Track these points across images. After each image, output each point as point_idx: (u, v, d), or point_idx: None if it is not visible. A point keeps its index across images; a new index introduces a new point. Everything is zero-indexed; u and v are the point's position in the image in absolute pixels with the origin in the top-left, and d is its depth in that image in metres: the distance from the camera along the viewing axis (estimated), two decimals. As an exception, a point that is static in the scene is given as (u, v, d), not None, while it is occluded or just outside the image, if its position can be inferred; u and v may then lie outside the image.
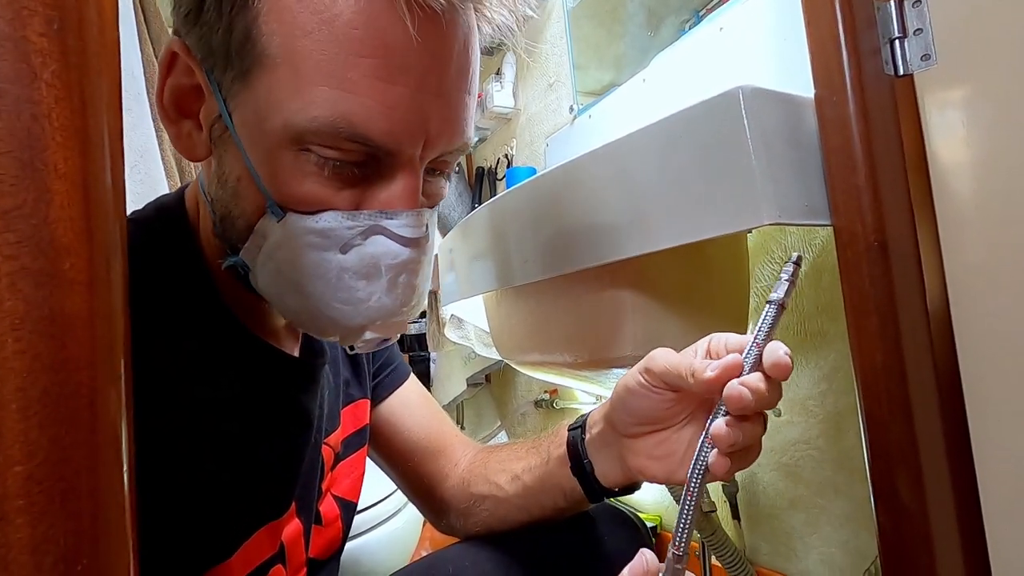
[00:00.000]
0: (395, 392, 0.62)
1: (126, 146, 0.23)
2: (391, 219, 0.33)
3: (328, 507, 0.50)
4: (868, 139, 0.44)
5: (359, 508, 0.85)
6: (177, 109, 0.35)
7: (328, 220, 0.33)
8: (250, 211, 0.34)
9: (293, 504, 0.43)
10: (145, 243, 0.36)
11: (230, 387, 0.38)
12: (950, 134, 0.44)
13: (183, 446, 0.35)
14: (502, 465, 0.54)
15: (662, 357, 0.36)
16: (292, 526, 0.44)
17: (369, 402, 0.57)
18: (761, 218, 0.43)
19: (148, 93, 1.03)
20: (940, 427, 0.43)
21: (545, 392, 1.34)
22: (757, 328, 0.34)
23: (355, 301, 0.34)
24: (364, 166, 0.33)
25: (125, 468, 0.20)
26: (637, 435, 0.40)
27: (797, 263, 0.33)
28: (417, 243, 0.35)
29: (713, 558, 0.84)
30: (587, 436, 0.45)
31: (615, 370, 0.64)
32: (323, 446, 0.48)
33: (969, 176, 0.43)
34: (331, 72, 0.29)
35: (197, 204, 0.40)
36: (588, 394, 1.19)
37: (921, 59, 0.45)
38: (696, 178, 0.47)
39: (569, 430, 0.47)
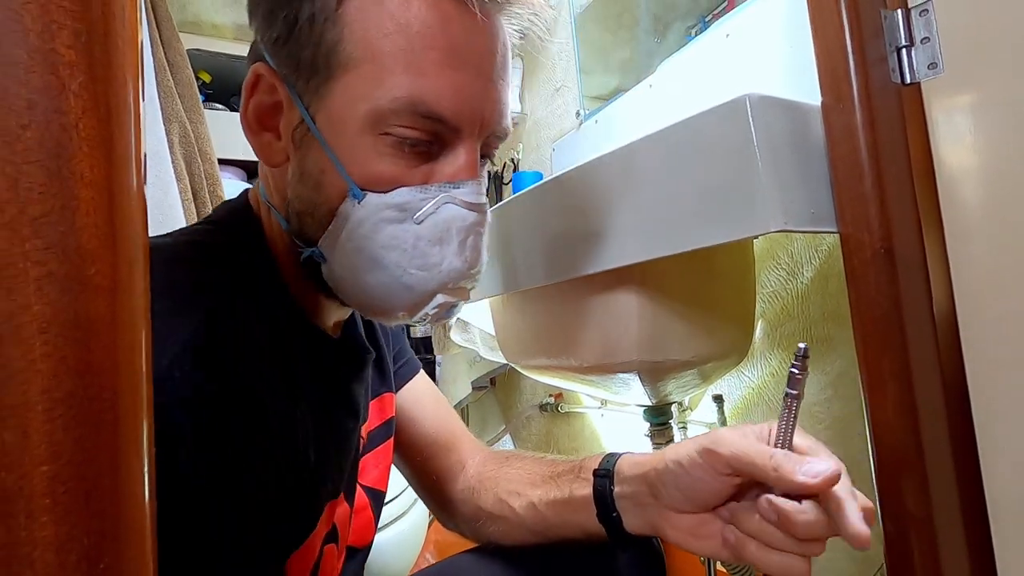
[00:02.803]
0: (407, 385, 0.63)
1: None
2: (458, 188, 0.38)
3: (358, 496, 0.52)
4: (875, 147, 0.45)
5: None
6: (260, 123, 0.39)
7: (403, 194, 0.37)
8: (333, 196, 0.37)
9: (343, 489, 0.46)
10: (225, 242, 0.41)
11: (304, 376, 0.41)
12: (957, 142, 0.44)
13: (270, 436, 0.37)
14: (514, 486, 0.55)
15: (731, 442, 0.36)
16: (342, 509, 0.47)
17: (394, 396, 0.59)
18: (768, 225, 0.43)
19: (159, 95, 1.05)
20: (946, 434, 0.43)
21: (550, 396, 1.34)
22: (781, 424, 0.35)
23: (430, 266, 0.38)
24: (432, 144, 0.37)
25: (146, 469, 0.20)
26: (682, 511, 0.40)
27: (805, 355, 0.34)
28: (480, 207, 0.39)
29: (719, 563, 0.83)
30: (616, 488, 0.45)
31: (620, 375, 0.64)
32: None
33: (976, 184, 0.43)
34: (408, 62, 0.35)
35: (259, 210, 0.44)
36: (593, 398, 1.19)
37: (928, 68, 0.45)
38: (703, 185, 0.47)
39: (595, 476, 0.47)
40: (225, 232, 0.42)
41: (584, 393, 1.17)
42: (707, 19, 0.98)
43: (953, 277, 0.45)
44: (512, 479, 0.56)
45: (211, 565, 0.33)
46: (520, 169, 1.48)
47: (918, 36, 0.45)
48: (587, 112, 1.19)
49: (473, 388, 1.44)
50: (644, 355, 0.59)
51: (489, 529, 0.56)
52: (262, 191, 0.43)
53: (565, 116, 1.28)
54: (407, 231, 0.37)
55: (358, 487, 0.52)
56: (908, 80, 0.46)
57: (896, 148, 0.45)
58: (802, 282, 0.76)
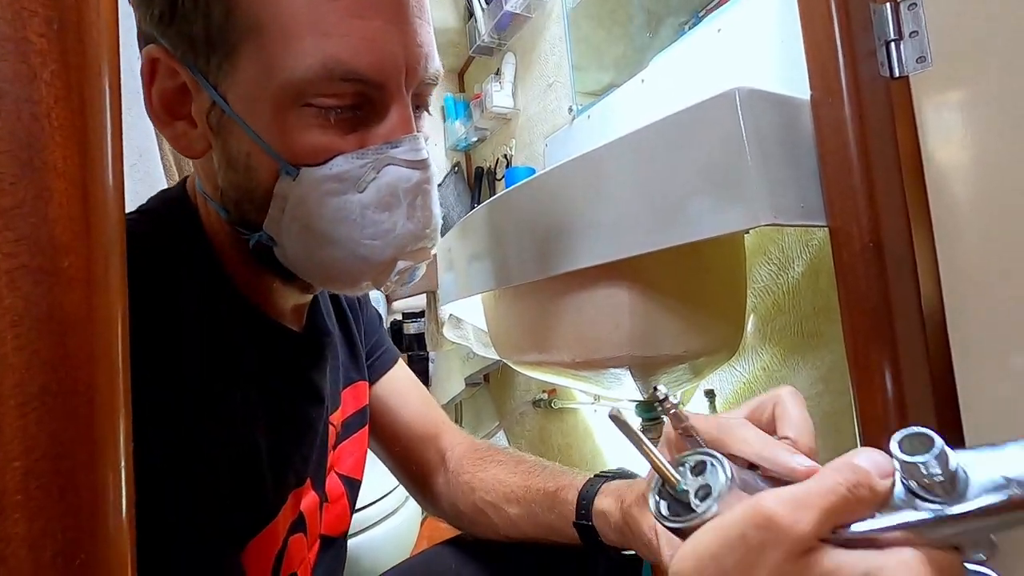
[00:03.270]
0: (385, 375, 0.63)
1: (125, 145, 0.23)
2: (395, 147, 0.36)
3: (333, 485, 0.52)
4: (864, 141, 0.45)
5: (359, 506, 0.86)
6: (168, 112, 0.36)
7: (339, 164, 0.35)
8: (266, 178, 0.35)
9: (309, 477, 0.45)
10: (155, 231, 0.38)
11: (249, 364, 0.40)
12: (945, 136, 0.44)
13: (216, 422, 0.36)
14: (490, 497, 0.55)
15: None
16: (310, 498, 0.46)
17: (367, 384, 0.58)
18: (757, 219, 0.43)
19: (148, 92, 1.03)
20: (935, 427, 0.43)
21: (543, 392, 1.34)
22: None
23: (382, 234, 0.36)
24: (359, 109, 0.35)
25: (123, 464, 0.20)
26: None
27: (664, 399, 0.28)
28: (423, 164, 0.37)
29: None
30: (596, 523, 0.45)
31: (611, 370, 0.64)
32: (328, 424, 0.49)
33: (964, 178, 0.44)
34: (312, 22, 0.32)
35: (197, 200, 0.42)
36: (587, 394, 1.19)
37: (916, 61, 0.45)
38: (693, 179, 0.47)
39: (577, 519, 0.46)
40: (154, 221, 0.40)
41: (577, 389, 1.17)
42: (700, 14, 0.98)
43: (941, 271, 0.45)
44: (488, 489, 0.56)
45: (169, 549, 0.32)
46: (513, 165, 1.47)
47: (907, 30, 0.45)
48: (580, 107, 1.19)
49: (467, 384, 1.44)
50: (635, 350, 0.59)
51: (471, 528, 0.58)
52: (198, 182, 0.41)
53: (558, 111, 1.28)
54: (352, 202, 0.35)
55: (333, 475, 0.52)
56: (897, 74, 0.46)
57: (885, 142, 0.45)
58: (793, 277, 0.76)
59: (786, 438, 0.28)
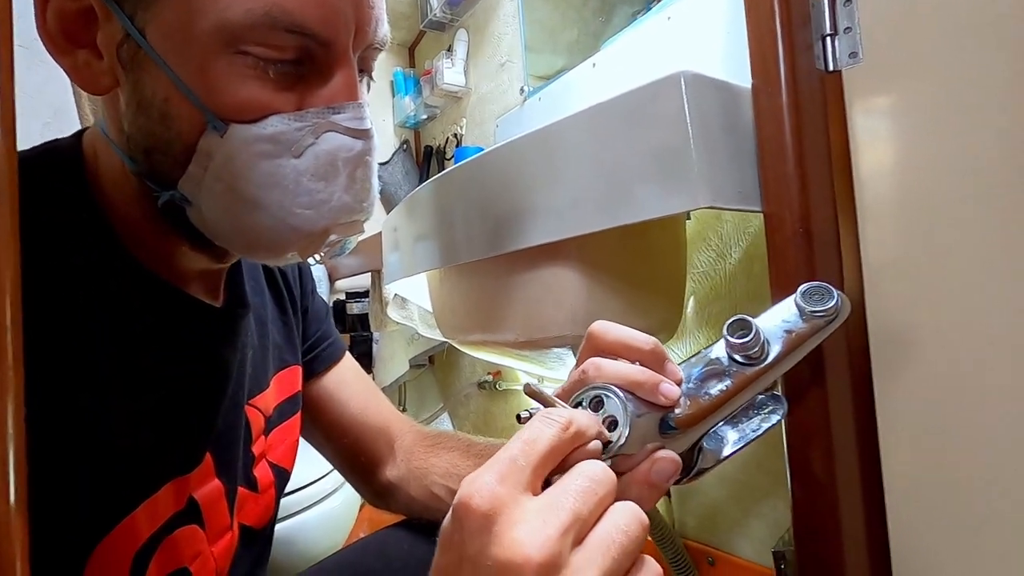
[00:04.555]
0: (333, 368, 0.61)
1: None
2: (338, 113, 0.33)
3: (264, 473, 0.49)
4: (799, 130, 0.46)
5: (293, 488, 0.83)
6: (67, 37, 0.32)
7: (275, 124, 0.32)
8: (187, 131, 0.32)
9: (210, 463, 0.42)
10: (23, 184, 0.34)
11: (131, 335, 0.36)
12: (872, 130, 0.47)
13: (81, 397, 0.33)
14: (443, 480, 0.54)
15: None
16: (210, 487, 0.42)
17: (301, 368, 0.56)
18: (697, 201, 0.44)
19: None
20: (851, 407, 0.46)
21: (488, 374, 1.34)
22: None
23: (317, 204, 0.34)
24: (301, 64, 0.32)
25: (12, 455, 0.18)
26: None
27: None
28: (366, 134, 0.35)
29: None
30: None
31: (554, 349, 0.64)
32: (248, 407, 0.46)
33: (888, 172, 0.46)
34: None
35: (95, 148, 0.37)
36: (531, 375, 1.20)
37: (849, 56, 0.47)
38: (635, 160, 0.48)
39: None
40: (23, 172, 0.36)
41: (521, 370, 1.18)
42: (651, 2, 0.99)
43: (863, 260, 0.47)
44: (442, 473, 0.56)
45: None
46: (463, 144, 1.45)
47: (841, 25, 0.47)
48: (531, 89, 1.18)
49: (411, 366, 1.42)
50: (578, 329, 0.60)
51: (424, 515, 0.57)
52: (101, 125, 0.36)
53: (509, 92, 1.26)
54: (286, 167, 0.32)
55: (265, 464, 0.49)
56: (831, 68, 0.48)
57: (817, 133, 0.47)
58: (730, 263, 0.79)
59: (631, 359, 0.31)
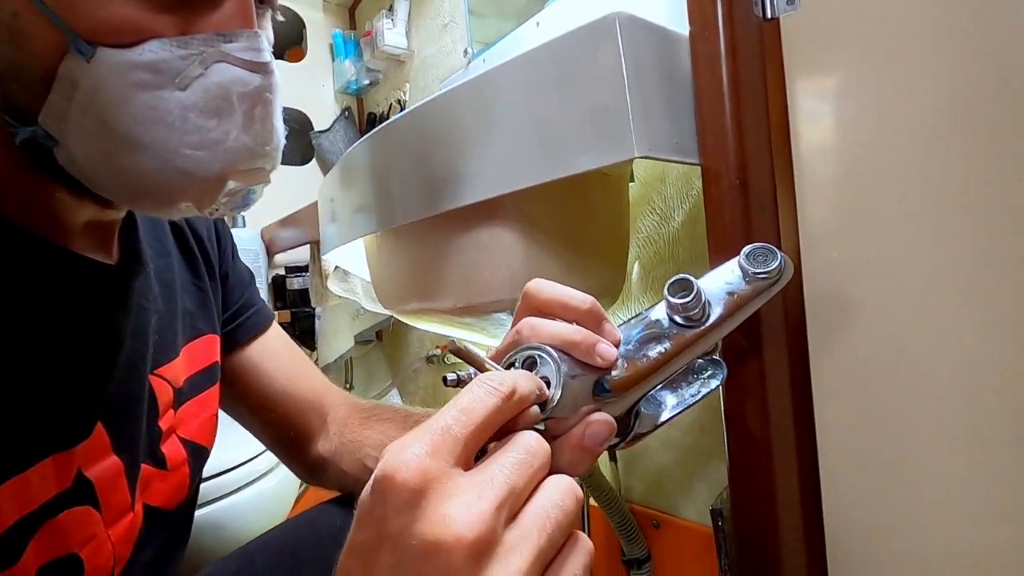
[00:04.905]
0: (258, 337, 0.58)
1: None
2: (230, 42, 0.30)
3: (174, 450, 0.45)
4: (736, 79, 0.45)
5: (223, 469, 0.79)
6: None
7: (154, 50, 0.28)
8: (43, 52, 0.28)
9: (104, 437, 0.37)
10: None
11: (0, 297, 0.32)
12: (809, 79, 0.45)
13: None
14: (379, 453, 0.51)
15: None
16: (106, 464, 0.38)
17: (219, 338, 0.52)
18: (632, 151, 0.42)
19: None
20: (786, 365, 0.46)
21: (437, 348, 1.32)
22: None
23: (209, 144, 0.30)
24: None
25: None
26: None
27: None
28: (265, 68, 0.31)
29: (591, 499, 0.87)
30: None
31: (495, 314, 0.62)
32: (153, 377, 0.42)
33: (826, 124, 0.45)
34: None
35: None
36: (479, 346, 1.18)
37: (787, 3, 0.46)
38: (569, 109, 0.45)
39: None
40: None
41: (466, 340, 1.15)
42: (596, -40, 0.96)
43: (799, 216, 0.47)
44: (377, 445, 0.53)
45: None
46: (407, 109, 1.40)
47: (779, -31, 0.45)
48: (475, 51, 1.13)
49: (358, 342, 1.38)
50: (518, 293, 0.57)
51: (357, 489, 0.53)
52: None
53: (453, 54, 1.21)
54: (170, 100, 0.29)
55: (175, 440, 0.45)
56: (769, 15, 0.46)
57: (755, 81, 0.46)
58: (673, 226, 0.78)
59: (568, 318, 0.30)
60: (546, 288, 0.32)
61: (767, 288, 0.33)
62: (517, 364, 0.29)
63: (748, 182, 0.45)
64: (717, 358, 0.36)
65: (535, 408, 0.26)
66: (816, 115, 0.45)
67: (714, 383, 0.35)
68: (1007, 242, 0.36)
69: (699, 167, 0.47)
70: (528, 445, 0.23)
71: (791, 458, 0.46)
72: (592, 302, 0.31)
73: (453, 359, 1.29)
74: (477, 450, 0.23)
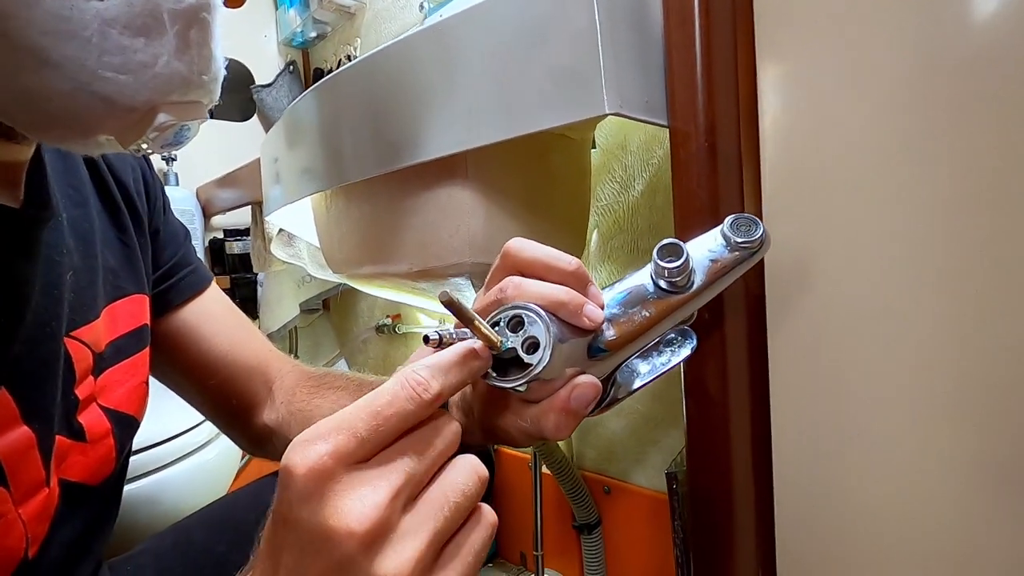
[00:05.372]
0: (195, 299, 0.53)
1: None
2: None
3: (94, 420, 0.41)
4: (708, 39, 0.44)
5: (158, 440, 0.74)
6: None
7: None
8: None
9: (11, 405, 0.34)
10: None
11: None
12: (778, 40, 0.45)
13: None
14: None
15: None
16: (15, 435, 0.34)
17: (148, 299, 0.47)
18: (603, 107, 0.40)
19: None
20: (745, 328, 0.46)
21: (387, 317, 1.28)
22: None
23: (135, 67, 0.26)
24: None
25: None
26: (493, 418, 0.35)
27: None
28: None
29: (544, 466, 0.88)
30: None
31: (452, 279, 0.60)
32: (68, 340, 0.38)
33: (793, 90, 0.45)
34: None
35: None
36: (431, 316, 1.16)
37: (760, -37, 0.45)
38: (535, 63, 0.43)
39: None
40: None
41: (418, 306, 1.13)
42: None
43: (763, 178, 0.47)
44: (327, 413, 0.50)
45: None
46: (358, 67, 1.32)
47: (754, -75, 0.44)
48: (432, 6, 1.08)
49: (303, 311, 1.32)
50: (476, 256, 0.56)
51: None
52: None
53: (408, 8, 1.15)
54: (85, 11, 0.25)
55: (96, 409, 0.41)
56: (742, -26, 0.45)
57: (726, 44, 0.45)
58: (633, 196, 0.78)
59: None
60: (528, 247, 0.31)
61: (748, 257, 0.33)
62: (503, 324, 0.28)
63: (716, 146, 0.44)
64: (687, 328, 0.36)
65: (478, 363, 0.26)
66: (782, 87, 0.45)
67: (685, 352, 0.35)
68: (957, 219, 0.36)
69: (667, 130, 0.46)
70: (437, 424, 0.24)
71: (746, 421, 0.46)
72: (578, 263, 0.30)
73: (405, 328, 1.26)
74: (382, 448, 0.23)
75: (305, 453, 0.21)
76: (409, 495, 0.22)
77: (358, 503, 0.21)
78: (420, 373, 0.24)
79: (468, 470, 0.24)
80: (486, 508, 0.24)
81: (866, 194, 0.40)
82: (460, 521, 0.23)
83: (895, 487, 0.40)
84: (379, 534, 0.21)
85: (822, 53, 0.42)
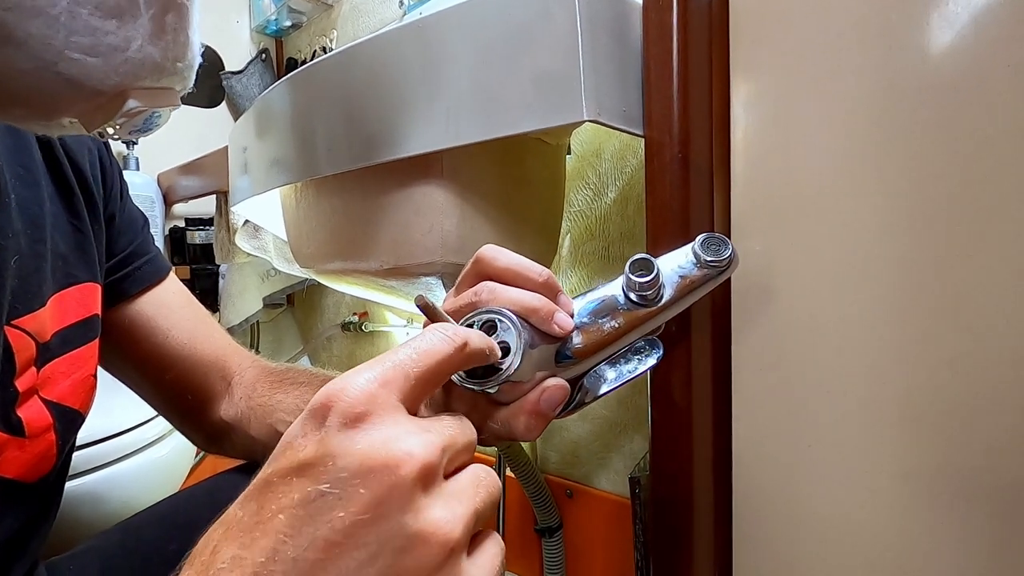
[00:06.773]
0: (152, 289, 0.51)
1: None
2: None
3: (35, 414, 0.38)
4: (685, 53, 0.45)
5: (106, 435, 0.71)
6: None
7: None
8: None
9: None
10: None
11: None
12: (753, 55, 0.46)
13: None
14: (290, 418, 0.48)
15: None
16: None
17: (100, 287, 0.45)
18: (582, 114, 0.41)
19: None
20: (710, 340, 0.48)
21: (354, 314, 1.26)
22: None
23: (105, 50, 0.25)
24: None
25: None
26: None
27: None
28: None
29: (508, 470, 0.88)
30: None
31: (423, 278, 0.59)
32: (9, 328, 0.36)
33: (765, 106, 0.46)
34: None
35: None
36: (399, 315, 1.15)
37: (737, -18, 0.46)
38: (517, 67, 0.43)
39: None
40: None
41: (387, 304, 1.11)
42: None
43: (732, 192, 0.48)
44: (288, 408, 0.49)
45: None
46: (333, 60, 1.30)
47: (733, -55, 0.46)
48: (412, 3, 1.07)
49: (267, 305, 1.29)
50: (449, 256, 0.55)
51: (266, 457, 0.49)
52: None
53: (387, 3, 1.14)
54: None
55: (37, 402, 0.39)
56: (720, -8, 0.46)
57: (702, 59, 0.46)
58: (606, 203, 0.79)
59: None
60: (501, 255, 0.31)
61: (716, 275, 0.34)
62: (476, 327, 0.28)
63: (689, 156, 0.45)
64: (655, 338, 0.37)
65: (466, 355, 0.25)
66: (753, 104, 0.46)
67: (651, 360, 0.36)
68: (912, 238, 0.38)
69: (641, 140, 0.47)
70: (460, 422, 0.23)
71: (708, 428, 0.48)
72: (549, 274, 0.31)
73: (372, 327, 1.24)
74: (424, 399, 0.22)
75: (349, 380, 0.19)
76: (450, 461, 0.21)
77: (412, 436, 0.19)
78: (444, 324, 0.23)
79: (492, 474, 0.23)
80: (498, 536, 0.23)
81: (827, 213, 0.42)
82: (489, 514, 0.21)
83: (847, 496, 0.42)
84: (434, 473, 0.19)
85: (792, 74, 0.44)
